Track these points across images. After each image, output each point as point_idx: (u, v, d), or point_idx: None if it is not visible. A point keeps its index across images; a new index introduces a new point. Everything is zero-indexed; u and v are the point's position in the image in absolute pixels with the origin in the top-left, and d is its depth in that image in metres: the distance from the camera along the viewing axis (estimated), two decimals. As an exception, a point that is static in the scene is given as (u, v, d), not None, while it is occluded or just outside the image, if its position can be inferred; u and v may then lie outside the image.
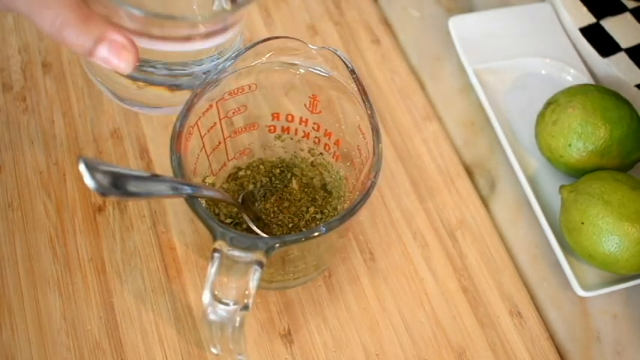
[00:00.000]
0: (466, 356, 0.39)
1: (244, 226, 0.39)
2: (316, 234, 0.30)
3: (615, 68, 0.49)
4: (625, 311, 0.41)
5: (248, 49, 0.34)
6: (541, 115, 0.45)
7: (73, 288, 0.39)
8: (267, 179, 0.42)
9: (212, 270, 0.28)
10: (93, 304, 0.38)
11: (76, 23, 0.23)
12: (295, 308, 0.39)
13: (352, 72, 0.34)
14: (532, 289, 0.42)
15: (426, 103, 0.49)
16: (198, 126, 0.35)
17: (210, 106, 0.35)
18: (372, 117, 0.33)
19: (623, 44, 0.51)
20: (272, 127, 0.40)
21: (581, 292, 0.40)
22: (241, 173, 0.42)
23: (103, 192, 0.23)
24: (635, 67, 0.50)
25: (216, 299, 0.28)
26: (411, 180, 0.45)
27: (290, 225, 0.40)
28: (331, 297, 0.40)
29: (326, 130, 0.39)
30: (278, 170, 0.42)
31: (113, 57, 0.25)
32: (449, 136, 0.48)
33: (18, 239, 0.40)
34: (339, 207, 0.40)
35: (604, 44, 0.51)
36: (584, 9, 0.53)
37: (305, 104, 0.38)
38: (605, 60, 0.50)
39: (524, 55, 0.51)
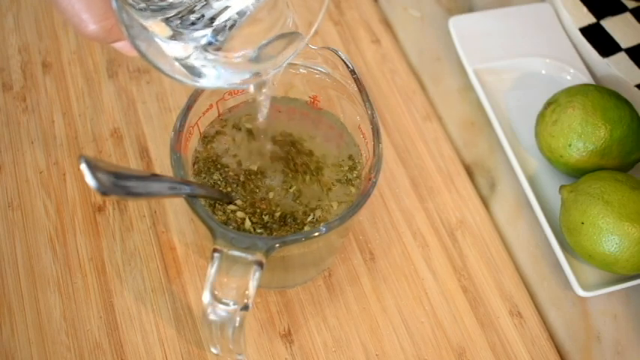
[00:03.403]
0: (466, 356, 0.39)
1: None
2: (316, 234, 0.30)
3: (615, 68, 0.49)
4: (625, 311, 0.41)
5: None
6: (541, 115, 0.45)
7: (73, 288, 0.39)
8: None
9: (212, 270, 0.28)
10: (93, 304, 0.38)
11: (102, 33, 0.27)
12: (295, 308, 0.39)
13: (352, 72, 0.34)
14: (532, 289, 0.42)
15: (426, 103, 0.49)
16: (198, 126, 0.35)
17: (211, 106, 0.35)
18: (372, 117, 0.33)
19: (623, 44, 0.51)
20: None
21: (581, 292, 0.40)
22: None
23: (104, 191, 0.23)
24: (635, 67, 0.49)
25: (216, 299, 0.28)
26: (411, 180, 0.45)
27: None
28: (331, 297, 0.40)
29: (326, 130, 0.39)
30: None
31: (126, 51, 0.28)
32: (449, 136, 0.48)
33: (18, 239, 0.40)
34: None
35: (604, 44, 0.51)
36: (584, 9, 0.53)
37: (305, 104, 0.38)
38: (605, 60, 0.50)
39: (524, 55, 0.51)
